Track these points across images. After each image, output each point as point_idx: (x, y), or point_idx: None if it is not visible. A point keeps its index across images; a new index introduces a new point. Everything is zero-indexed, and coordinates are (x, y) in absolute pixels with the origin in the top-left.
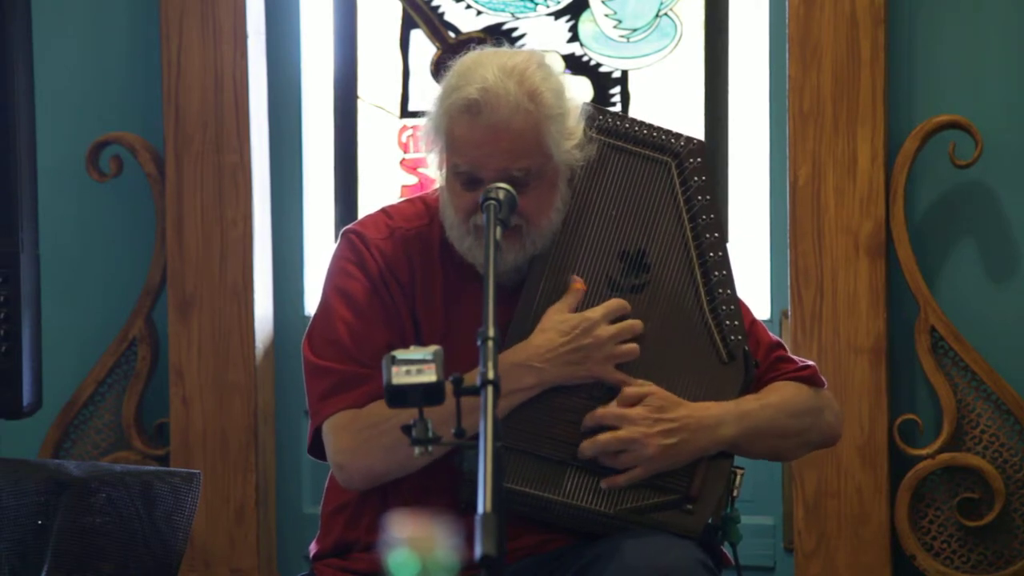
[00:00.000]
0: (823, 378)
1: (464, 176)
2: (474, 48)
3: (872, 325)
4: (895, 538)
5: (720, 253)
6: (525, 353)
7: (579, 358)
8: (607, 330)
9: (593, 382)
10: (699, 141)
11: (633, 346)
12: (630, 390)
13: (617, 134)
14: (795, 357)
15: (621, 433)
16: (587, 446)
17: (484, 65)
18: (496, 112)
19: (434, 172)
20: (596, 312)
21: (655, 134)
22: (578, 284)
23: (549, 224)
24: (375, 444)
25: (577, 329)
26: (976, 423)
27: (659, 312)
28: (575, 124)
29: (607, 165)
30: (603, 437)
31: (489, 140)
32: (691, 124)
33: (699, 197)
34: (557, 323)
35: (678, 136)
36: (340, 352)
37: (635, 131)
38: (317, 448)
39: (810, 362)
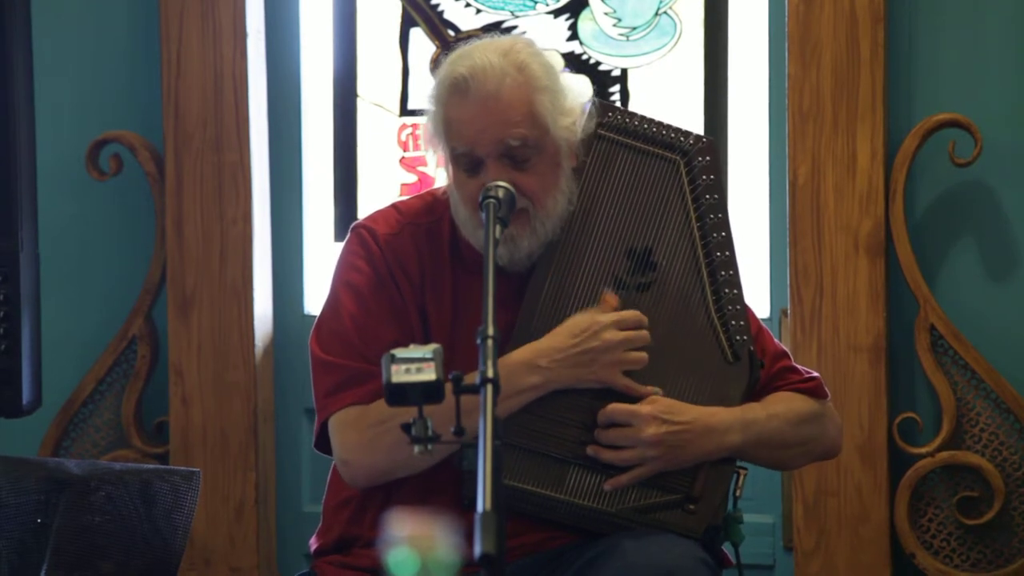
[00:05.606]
0: (827, 390)
1: (465, 159)
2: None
3: (872, 324)
4: (895, 537)
5: (727, 253)
6: (532, 352)
7: (586, 360)
8: (616, 335)
9: (599, 386)
10: (708, 139)
11: (642, 355)
12: (638, 394)
13: (626, 131)
14: (800, 367)
15: (628, 430)
16: (596, 435)
17: (473, 49)
18: (484, 85)
19: (433, 171)
20: (607, 316)
21: (664, 132)
22: (610, 299)
23: (555, 206)
24: (380, 442)
25: (586, 332)
26: (976, 422)
27: (665, 311)
28: (573, 104)
29: (615, 162)
30: (612, 431)
31: (480, 113)
32: (690, 122)
33: (707, 196)
34: (568, 325)
35: (687, 134)
36: (347, 348)
37: (644, 128)
38: (322, 442)
39: (815, 373)
